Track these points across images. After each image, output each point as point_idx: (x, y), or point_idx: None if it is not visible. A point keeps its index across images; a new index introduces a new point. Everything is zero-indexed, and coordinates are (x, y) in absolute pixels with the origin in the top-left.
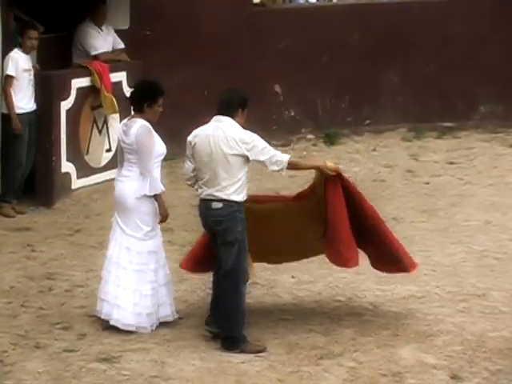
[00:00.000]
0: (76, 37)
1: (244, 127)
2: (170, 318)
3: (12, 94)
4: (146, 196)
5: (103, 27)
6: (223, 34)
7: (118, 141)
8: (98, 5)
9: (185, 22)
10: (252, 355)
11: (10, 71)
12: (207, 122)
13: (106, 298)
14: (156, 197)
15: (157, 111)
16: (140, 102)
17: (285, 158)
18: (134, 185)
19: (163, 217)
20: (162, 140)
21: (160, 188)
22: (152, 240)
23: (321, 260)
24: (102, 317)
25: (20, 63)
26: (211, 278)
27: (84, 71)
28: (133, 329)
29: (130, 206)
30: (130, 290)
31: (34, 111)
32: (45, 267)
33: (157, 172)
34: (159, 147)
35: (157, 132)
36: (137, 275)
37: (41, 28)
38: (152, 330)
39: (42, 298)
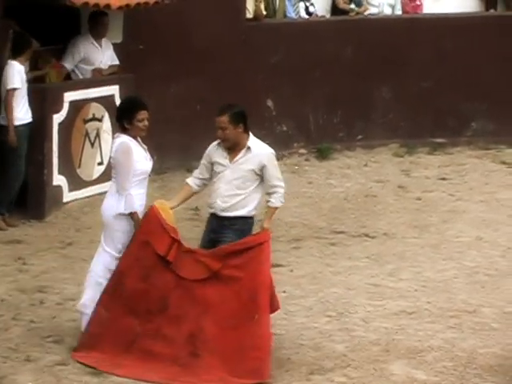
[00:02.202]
0: (74, 48)
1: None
2: None
3: (14, 106)
4: (122, 214)
5: (102, 41)
6: (216, 49)
7: None
8: (98, 18)
9: (178, 36)
10: None
11: (16, 84)
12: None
13: (85, 312)
14: (132, 215)
15: (139, 127)
16: (120, 120)
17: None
18: (110, 200)
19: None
20: (155, 153)
21: (135, 207)
22: None
23: (312, 275)
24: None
25: (22, 75)
26: None
27: (77, 84)
28: None
29: (106, 221)
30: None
31: (31, 123)
32: (36, 280)
33: (138, 190)
34: (141, 165)
35: (148, 146)
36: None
37: (36, 44)
38: None
39: (34, 311)
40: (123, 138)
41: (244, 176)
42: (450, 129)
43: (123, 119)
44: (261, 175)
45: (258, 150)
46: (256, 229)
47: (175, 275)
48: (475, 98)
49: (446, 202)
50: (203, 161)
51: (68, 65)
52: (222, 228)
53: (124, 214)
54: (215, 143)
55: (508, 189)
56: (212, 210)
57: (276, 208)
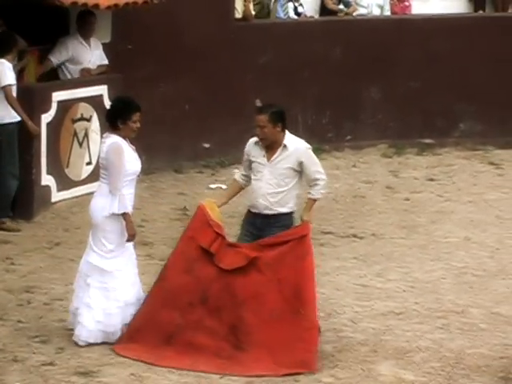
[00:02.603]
0: (62, 46)
1: None
2: None
3: (6, 104)
4: (112, 214)
5: (91, 41)
6: (205, 49)
7: None
8: (85, 17)
9: (166, 36)
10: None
11: (10, 80)
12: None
13: (75, 313)
14: (124, 215)
15: (132, 127)
16: (114, 119)
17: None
18: (100, 201)
19: (130, 236)
20: (143, 153)
21: (128, 207)
22: (116, 259)
23: None
24: (74, 331)
25: (12, 72)
26: None
27: (66, 84)
28: (86, 344)
29: (96, 221)
30: (91, 307)
31: (21, 121)
32: (24, 280)
33: (128, 190)
34: (132, 166)
35: (137, 146)
36: (99, 293)
37: (23, 43)
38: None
39: (21, 311)
40: (114, 138)
41: (283, 174)
42: (438, 129)
43: (118, 118)
44: (300, 171)
45: (294, 147)
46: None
47: (216, 268)
48: (463, 99)
49: (435, 202)
50: (244, 158)
51: (54, 59)
52: (267, 225)
53: (116, 215)
54: (253, 140)
55: (496, 190)
56: (255, 210)
57: (315, 200)
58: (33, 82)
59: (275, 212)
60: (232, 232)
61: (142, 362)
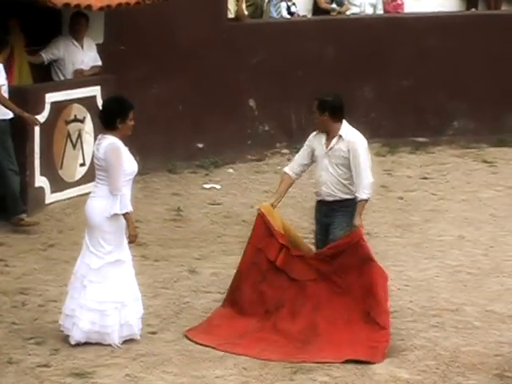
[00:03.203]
0: (54, 45)
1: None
2: (137, 337)
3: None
4: (114, 214)
5: (85, 42)
6: (198, 49)
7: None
8: (77, 19)
9: (159, 37)
10: (227, 370)
11: (1, 81)
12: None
13: (70, 314)
14: (126, 216)
15: (129, 126)
16: (113, 119)
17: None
18: (99, 202)
19: (133, 236)
20: (137, 154)
21: (130, 207)
22: (114, 259)
23: None
24: (65, 332)
25: (3, 73)
26: (185, 293)
27: (59, 85)
28: (79, 343)
29: (94, 223)
30: (87, 309)
31: (13, 119)
32: (18, 282)
33: (126, 190)
34: (129, 166)
35: (131, 147)
36: (96, 294)
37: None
38: (118, 347)
39: (15, 312)
40: (111, 139)
41: (340, 162)
42: (431, 128)
43: (116, 118)
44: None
45: (348, 139)
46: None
47: (288, 277)
48: (456, 97)
49: (428, 201)
50: (305, 147)
51: (44, 55)
52: (332, 211)
53: (116, 215)
54: (315, 132)
55: (490, 188)
56: (319, 198)
57: (365, 201)
58: (26, 84)
59: (338, 198)
60: (229, 232)
61: (212, 348)
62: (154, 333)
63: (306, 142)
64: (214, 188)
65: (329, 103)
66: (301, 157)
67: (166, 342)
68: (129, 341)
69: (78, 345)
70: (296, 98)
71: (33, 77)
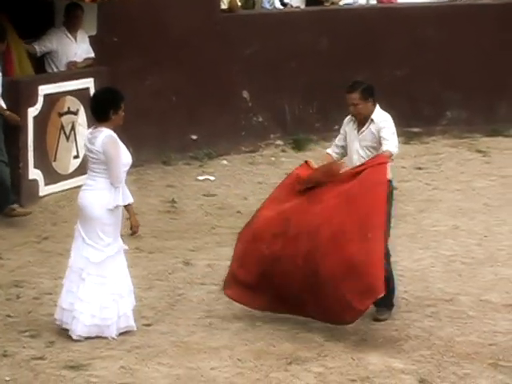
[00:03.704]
0: (47, 37)
1: None
2: (134, 328)
3: None
4: (116, 206)
5: (78, 34)
6: (191, 41)
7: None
8: (72, 10)
9: (152, 28)
10: (221, 362)
11: None
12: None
13: (68, 308)
14: (128, 206)
15: (121, 116)
16: (106, 110)
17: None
18: (98, 195)
19: (135, 227)
20: (130, 146)
21: (131, 198)
22: (112, 251)
23: None
24: (63, 326)
25: None
26: (179, 285)
27: (52, 77)
28: (82, 339)
29: (93, 215)
30: (87, 302)
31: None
32: (12, 275)
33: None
34: (125, 157)
35: (124, 139)
36: (96, 287)
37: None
38: (113, 339)
39: (10, 305)
40: (107, 131)
41: (369, 145)
42: (425, 118)
43: (110, 109)
44: (378, 138)
45: (379, 119)
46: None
47: (301, 200)
48: (450, 87)
49: (422, 191)
50: (341, 131)
51: (37, 47)
52: None
53: (115, 207)
54: (348, 116)
55: (484, 177)
56: None
57: (389, 152)
58: (19, 76)
59: None
60: (223, 223)
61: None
62: (148, 325)
63: (343, 124)
64: (208, 179)
65: (371, 89)
66: (339, 140)
67: (160, 333)
68: (124, 333)
69: (80, 340)
70: (290, 89)
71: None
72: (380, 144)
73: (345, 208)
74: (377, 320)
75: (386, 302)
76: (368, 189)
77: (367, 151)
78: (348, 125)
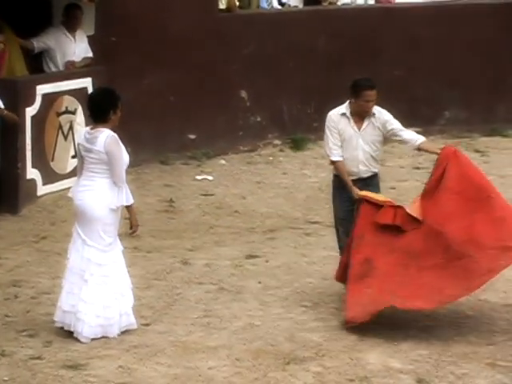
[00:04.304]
0: (45, 34)
1: None
2: (135, 326)
3: None
4: (109, 207)
5: (77, 33)
6: (189, 40)
7: (79, 149)
8: (71, 11)
9: (151, 28)
10: (220, 361)
11: None
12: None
13: (71, 310)
14: (130, 207)
15: (119, 116)
16: (106, 111)
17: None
18: (100, 195)
19: (135, 226)
20: (128, 145)
21: (132, 198)
22: (113, 251)
23: (287, 266)
24: (66, 328)
25: None
26: (177, 285)
27: (50, 77)
28: (88, 341)
29: (95, 216)
30: (91, 303)
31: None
32: (10, 274)
33: None
34: (125, 157)
35: (122, 138)
36: (99, 287)
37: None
38: (115, 338)
39: (8, 305)
40: (108, 132)
41: (375, 139)
42: (423, 117)
43: (110, 109)
44: (383, 132)
45: (378, 112)
46: None
47: (412, 227)
48: (448, 87)
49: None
50: (334, 131)
51: (35, 43)
52: (365, 186)
53: (118, 207)
54: (335, 114)
55: None
56: (355, 177)
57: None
58: (17, 76)
59: (372, 173)
60: (221, 223)
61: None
62: (147, 324)
63: (333, 126)
64: (206, 179)
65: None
66: (336, 139)
67: (158, 333)
68: (122, 332)
69: (85, 342)
70: (288, 89)
71: (28, 69)
72: (382, 135)
73: (456, 199)
74: None
75: None
76: (465, 171)
77: (373, 146)
78: (341, 122)
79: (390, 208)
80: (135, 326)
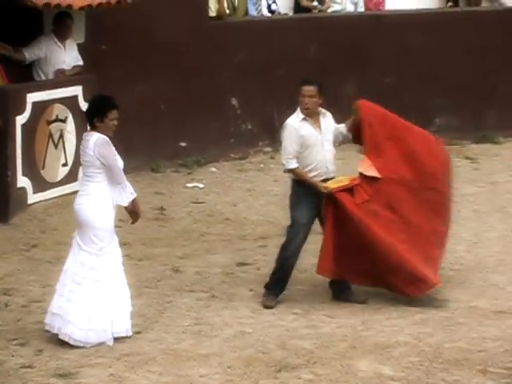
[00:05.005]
0: (36, 43)
1: None
2: (123, 334)
3: None
4: (102, 211)
5: (67, 42)
6: (179, 48)
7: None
8: (62, 19)
9: (141, 36)
10: (211, 369)
11: None
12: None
13: (58, 312)
14: (134, 200)
15: (108, 125)
16: (91, 117)
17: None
18: (88, 199)
19: (138, 217)
20: (119, 152)
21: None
22: (106, 255)
23: None
24: (53, 331)
25: None
26: (168, 293)
27: (40, 85)
28: (82, 344)
29: (85, 220)
30: (82, 306)
31: None
32: (1, 283)
33: (114, 185)
34: (118, 158)
35: (114, 146)
36: (90, 291)
37: None
38: (108, 346)
39: None
40: (98, 134)
41: (331, 137)
42: (414, 124)
43: (94, 116)
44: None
45: (324, 111)
46: None
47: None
48: (439, 94)
49: None
50: (293, 139)
51: (27, 53)
52: None
53: (104, 211)
54: (295, 122)
55: (472, 184)
56: (325, 176)
57: None
58: (7, 84)
59: (334, 170)
60: (212, 231)
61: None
62: (138, 332)
63: (294, 135)
64: (197, 187)
65: (322, 87)
66: (295, 148)
67: (150, 341)
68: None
69: (70, 345)
70: (278, 96)
71: (9, 80)
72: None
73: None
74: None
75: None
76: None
77: (331, 143)
78: (303, 128)
79: (357, 186)
80: (129, 333)
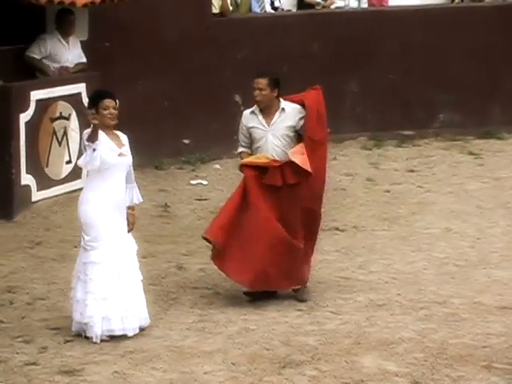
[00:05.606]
0: (41, 41)
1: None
2: (119, 332)
3: None
4: (89, 206)
5: (70, 39)
6: (182, 45)
7: None
8: (65, 16)
9: (144, 33)
10: (215, 366)
11: None
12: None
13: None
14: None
15: (104, 115)
16: (89, 110)
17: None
18: (82, 194)
19: (132, 227)
20: None
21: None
22: (95, 251)
23: None
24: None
25: None
26: (173, 290)
27: (44, 83)
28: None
29: (79, 214)
30: (76, 300)
31: None
32: (5, 280)
33: (102, 183)
34: (107, 156)
35: None
36: (82, 285)
37: None
38: (96, 343)
39: (3, 311)
40: (88, 129)
41: (284, 134)
42: (417, 121)
43: (91, 109)
44: (297, 129)
45: (291, 108)
46: None
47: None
48: (442, 90)
49: (415, 194)
50: (241, 131)
51: (35, 55)
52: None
53: (91, 207)
54: (247, 112)
55: (476, 180)
56: None
57: None
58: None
59: None
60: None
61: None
62: (142, 329)
63: (244, 124)
64: (201, 184)
65: (278, 79)
66: (243, 139)
67: (154, 338)
68: (117, 337)
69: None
70: (282, 93)
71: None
72: (294, 131)
73: None
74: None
75: None
76: None
77: (283, 141)
78: (251, 119)
79: (276, 169)
80: (122, 333)
